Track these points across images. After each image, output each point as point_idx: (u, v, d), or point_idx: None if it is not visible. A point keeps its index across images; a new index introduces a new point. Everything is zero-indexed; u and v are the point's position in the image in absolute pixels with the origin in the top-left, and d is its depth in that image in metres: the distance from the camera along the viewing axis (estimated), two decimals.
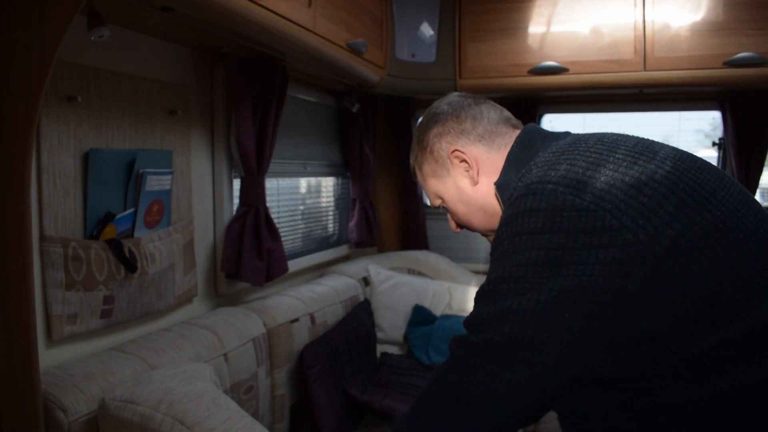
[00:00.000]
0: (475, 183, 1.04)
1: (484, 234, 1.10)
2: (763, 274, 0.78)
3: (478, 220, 1.07)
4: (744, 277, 0.77)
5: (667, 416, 0.80)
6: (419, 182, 1.14)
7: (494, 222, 1.04)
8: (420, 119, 1.12)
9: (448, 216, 1.13)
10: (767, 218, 0.83)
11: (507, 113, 1.09)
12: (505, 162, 1.00)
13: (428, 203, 3.34)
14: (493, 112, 1.07)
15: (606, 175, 0.80)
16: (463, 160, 1.04)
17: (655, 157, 0.83)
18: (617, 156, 0.83)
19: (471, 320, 0.86)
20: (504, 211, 0.87)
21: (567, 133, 0.99)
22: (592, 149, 0.85)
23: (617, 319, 0.78)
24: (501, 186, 0.99)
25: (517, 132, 1.04)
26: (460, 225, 1.12)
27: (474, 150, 1.04)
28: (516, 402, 0.81)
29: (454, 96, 1.11)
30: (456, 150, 1.04)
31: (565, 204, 0.78)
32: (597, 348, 0.80)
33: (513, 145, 1.01)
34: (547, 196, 0.80)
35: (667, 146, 0.88)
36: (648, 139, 0.90)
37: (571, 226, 0.77)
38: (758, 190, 2.72)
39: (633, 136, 0.91)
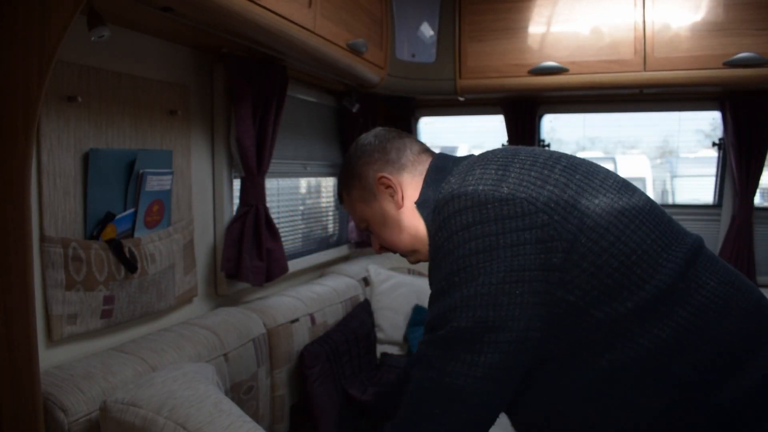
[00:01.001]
0: (399, 206, 1.14)
1: (404, 254, 1.20)
2: (658, 242, 0.92)
3: (400, 240, 1.16)
4: (644, 246, 0.91)
5: (606, 383, 0.91)
6: (345, 207, 1.25)
7: (416, 242, 1.15)
8: (349, 151, 1.24)
9: (373, 238, 1.23)
10: (648, 198, 0.99)
11: (425, 146, 1.22)
12: (423, 184, 1.13)
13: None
14: (415, 145, 1.20)
15: (514, 173, 0.94)
16: (389, 186, 1.15)
17: (551, 157, 0.99)
18: (520, 158, 0.98)
19: (433, 317, 0.93)
20: (433, 221, 0.97)
21: (471, 155, 1.12)
22: (498, 156, 0.99)
23: (551, 293, 0.89)
24: (421, 204, 1.11)
25: (431, 159, 1.17)
26: (383, 246, 1.21)
27: (398, 177, 1.15)
28: (495, 384, 0.89)
29: (377, 129, 1.23)
30: (383, 176, 1.15)
31: (487, 198, 0.91)
32: (545, 322, 0.90)
33: (428, 170, 1.13)
34: (470, 195, 0.92)
35: (552, 150, 1.05)
36: (541, 149, 1.05)
37: (496, 214, 0.90)
38: (758, 190, 2.72)
39: (530, 147, 1.06)
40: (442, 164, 1.13)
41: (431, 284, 0.99)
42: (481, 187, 0.93)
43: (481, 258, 0.89)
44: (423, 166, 1.16)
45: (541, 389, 0.96)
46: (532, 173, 0.94)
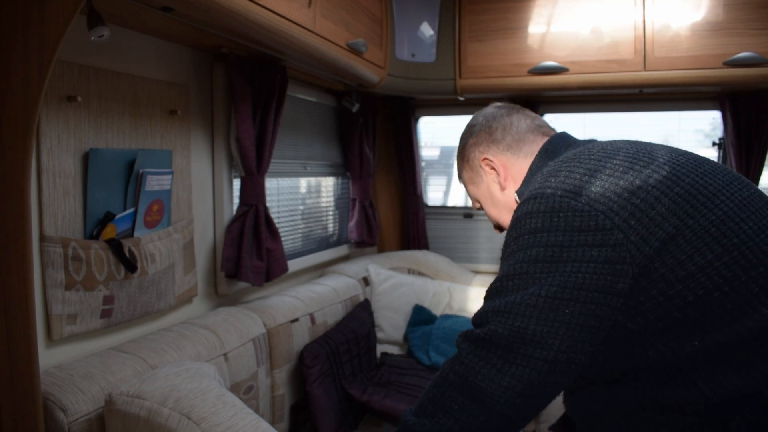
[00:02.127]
0: (503, 188, 1.13)
1: None
2: (757, 281, 0.78)
3: (506, 220, 1.15)
4: (734, 283, 0.78)
5: (649, 416, 0.84)
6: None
7: None
8: (462, 134, 1.23)
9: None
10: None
11: (540, 121, 1.17)
12: (528, 171, 1.09)
13: (428, 203, 3.34)
14: (523, 122, 1.15)
15: (601, 180, 0.85)
16: (493, 168, 1.13)
17: (653, 162, 0.87)
18: (615, 162, 0.88)
19: (477, 315, 0.91)
20: (513, 216, 0.94)
21: (591, 141, 1.05)
22: (592, 157, 0.91)
23: (611, 317, 0.82)
24: (521, 194, 1.07)
25: (546, 139, 1.11)
26: (497, 226, 1.21)
27: (502, 158, 1.13)
28: (519, 397, 0.84)
29: (489, 108, 1.20)
30: (486, 158, 1.14)
31: (561, 206, 0.85)
32: (594, 345, 0.83)
33: (536, 155, 1.09)
34: (546, 199, 0.87)
35: (669, 150, 0.92)
36: (651, 144, 0.95)
37: (567, 225, 0.83)
38: None
39: (638, 142, 0.95)
40: (553, 148, 1.07)
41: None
42: (559, 192, 0.86)
43: (539, 267, 0.84)
44: (529, 146, 1.12)
45: (585, 402, 0.94)
46: (622, 181, 0.84)
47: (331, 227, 2.93)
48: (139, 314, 1.61)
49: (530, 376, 0.82)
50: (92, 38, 1.26)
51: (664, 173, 0.85)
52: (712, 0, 2.28)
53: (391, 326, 2.61)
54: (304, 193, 2.71)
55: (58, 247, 1.37)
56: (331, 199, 2.93)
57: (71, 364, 1.37)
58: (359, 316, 2.38)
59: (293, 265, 2.39)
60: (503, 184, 1.13)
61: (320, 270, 2.74)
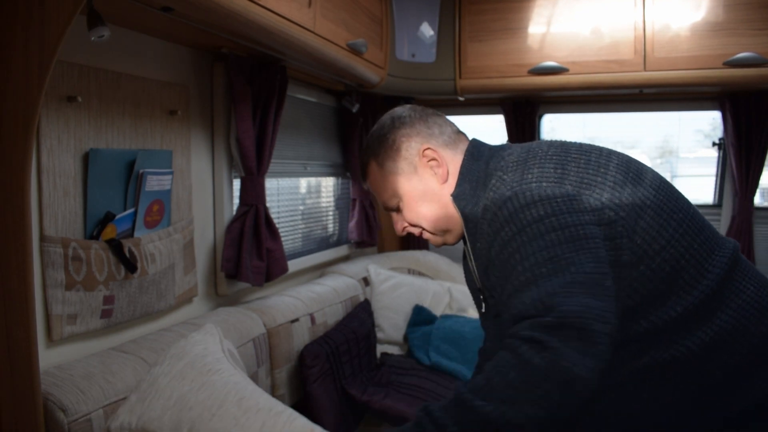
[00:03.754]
0: (444, 181, 1.10)
1: (433, 233, 1.14)
2: (703, 247, 0.93)
3: (436, 218, 1.11)
4: (691, 251, 0.92)
5: (651, 375, 0.93)
6: (371, 181, 1.17)
7: (450, 222, 1.11)
8: (379, 123, 1.17)
9: (396, 217, 1.16)
10: (689, 202, 1.00)
11: (458, 128, 1.18)
12: (459, 174, 1.09)
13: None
14: (452, 125, 1.17)
15: (573, 171, 0.94)
16: (433, 159, 1.11)
17: (602, 154, 0.99)
18: (573, 155, 0.98)
19: (528, 306, 0.86)
20: (491, 219, 0.95)
21: (508, 145, 1.10)
22: (550, 154, 0.98)
23: (621, 289, 0.89)
24: (457, 197, 1.06)
25: (467, 143, 1.14)
26: (412, 225, 1.15)
27: (442, 152, 1.12)
28: (599, 375, 0.84)
29: (412, 105, 1.19)
30: (428, 148, 1.11)
31: (553, 193, 0.90)
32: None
33: (464, 158, 1.10)
34: (536, 191, 0.91)
35: (609, 149, 1.04)
36: (588, 144, 1.04)
37: (568, 207, 0.89)
38: (758, 190, 2.72)
39: (569, 141, 1.05)
40: (477, 152, 1.10)
41: (489, 279, 0.97)
42: (544, 184, 0.92)
43: (566, 248, 0.86)
44: (461, 146, 1.13)
45: None
46: (590, 171, 0.94)
47: (331, 227, 2.93)
48: (139, 314, 1.61)
49: (604, 353, 0.83)
50: (92, 38, 1.25)
51: (616, 162, 0.97)
52: (712, 0, 2.28)
53: (391, 326, 2.61)
54: (304, 193, 2.71)
55: (58, 247, 1.37)
56: (331, 199, 2.93)
57: (71, 364, 1.37)
58: (359, 317, 2.38)
59: (293, 265, 2.39)
60: (445, 176, 1.10)
61: (320, 270, 2.74)
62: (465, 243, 1.14)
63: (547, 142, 1.05)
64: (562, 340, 0.82)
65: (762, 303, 0.94)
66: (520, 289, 0.89)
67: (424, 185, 1.11)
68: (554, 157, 0.97)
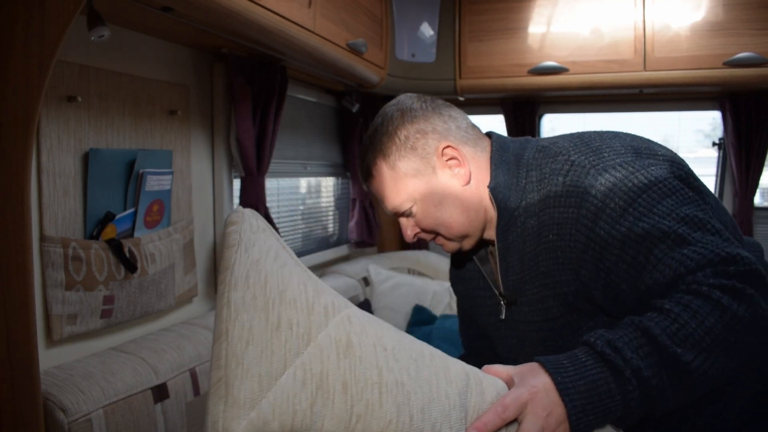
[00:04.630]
0: (466, 182, 0.99)
1: (450, 239, 1.03)
2: (734, 236, 0.90)
3: (457, 222, 1.00)
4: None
5: None
6: (377, 185, 1.03)
7: (471, 227, 1.01)
8: (384, 117, 1.03)
9: (406, 223, 1.04)
10: None
11: (469, 119, 1.08)
12: (492, 166, 0.99)
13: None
14: (465, 117, 1.06)
15: (632, 145, 0.93)
16: (453, 158, 0.99)
17: (636, 136, 0.99)
18: (620, 136, 0.96)
19: (704, 255, 0.79)
20: (583, 198, 0.88)
21: (530, 138, 1.05)
22: (599, 136, 0.96)
23: None
24: (495, 189, 0.97)
25: (487, 138, 1.05)
26: (426, 231, 1.03)
27: (463, 149, 1.00)
28: None
29: (417, 95, 1.06)
30: (448, 146, 0.99)
31: (640, 165, 0.88)
32: None
33: (493, 150, 1.01)
34: (624, 165, 0.88)
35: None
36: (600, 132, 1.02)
37: (663, 173, 0.87)
38: (758, 190, 2.72)
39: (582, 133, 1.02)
40: (504, 145, 1.02)
41: (587, 266, 0.88)
42: (628, 158, 0.89)
43: (690, 208, 0.84)
44: (481, 141, 1.03)
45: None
46: (643, 148, 0.93)
47: (331, 227, 2.93)
48: (139, 314, 1.61)
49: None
50: (92, 38, 1.25)
51: (653, 142, 0.97)
52: (712, 0, 2.28)
53: None
54: (304, 193, 2.71)
55: (58, 247, 1.37)
56: (331, 199, 2.93)
57: (71, 364, 1.37)
58: None
59: None
60: (468, 177, 0.99)
61: (320, 270, 2.74)
62: (477, 247, 1.06)
63: (580, 131, 1.01)
64: (756, 287, 0.76)
65: None
66: (673, 249, 0.80)
67: (444, 187, 0.99)
68: (606, 139, 0.94)
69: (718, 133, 2.88)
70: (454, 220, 1.00)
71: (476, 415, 0.72)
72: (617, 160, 0.89)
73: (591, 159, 0.90)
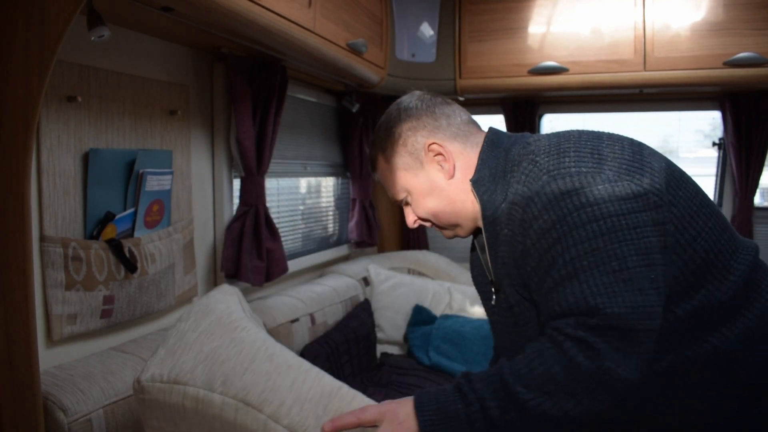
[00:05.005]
0: (450, 176, 1.07)
1: (442, 227, 1.13)
2: (729, 244, 0.93)
3: (444, 213, 1.09)
4: (718, 246, 0.92)
5: (676, 372, 0.93)
6: (380, 175, 1.15)
7: (460, 217, 1.09)
8: (387, 114, 1.14)
9: (407, 210, 1.14)
10: (708, 196, 0.99)
11: (470, 116, 1.14)
12: (479, 161, 1.05)
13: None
14: (462, 113, 1.12)
15: (610, 156, 0.91)
16: (439, 154, 1.07)
17: (633, 143, 0.97)
18: (606, 142, 0.94)
19: (573, 304, 0.85)
20: (527, 204, 0.91)
21: (529, 134, 1.07)
22: (583, 139, 0.95)
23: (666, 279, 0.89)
24: (477, 182, 1.03)
25: (483, 133, 1.10)
26: (422, 219, 1.13)
27: (450, 146, 1.08)
28: (640, 375, 0.85)
29: (422, 93, 1.15)
30: (434, 143, 1.07)
31: (594, 179, 0.87)
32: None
33: (483, 145, 1.07)
34: (576, 177, 0.88)
35: (635, 139, 1.01)
36: (615, 134, 1.01)
37: (610, 195, 0.86)
38: (758, 190, 2.72)
39: (596, 130, 1.02)
40: (497, 140, 1.06)
41: (521, 267, 0.94)
42: (584, 169, 0.89)
43: (608, 240, 0.84)
44: (474, 137, 1.09)
45: None
46: (626, 158, 0.91)
47: (331, 227, 2.93)
48: (139, 314, 1.61)
49: (648, 351, 0.83)
50: (92, 38, 1.26)
51: (648, 150, 0.95)
52: (712, 0, 2.28)
53: (391, 326, 2.61)
54: (304, 193, 2.71)
55: (58, 247, 1.37)
56: (331, 199, 2.93)
57: (71, 364, 1.38)
58: (359, 316, 2.38)
59: (293, 265, 2.39)
60: (451, 172, 1.07)
61: (320, 270, 2.74)
62: (475, 235, 1.13)
63: (576, 129, 1.01)
64: (607, 342, 0.82)
65: None
66: (560, 283, 0.87)
67: (431, 180, 1.08)
68: (588, 143, 0.94)
69: (718, 133, 2.88)
70: (441, 210, 1.09)
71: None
72: (572, 169, 0.89)
73: (551, 163, 0.92)
